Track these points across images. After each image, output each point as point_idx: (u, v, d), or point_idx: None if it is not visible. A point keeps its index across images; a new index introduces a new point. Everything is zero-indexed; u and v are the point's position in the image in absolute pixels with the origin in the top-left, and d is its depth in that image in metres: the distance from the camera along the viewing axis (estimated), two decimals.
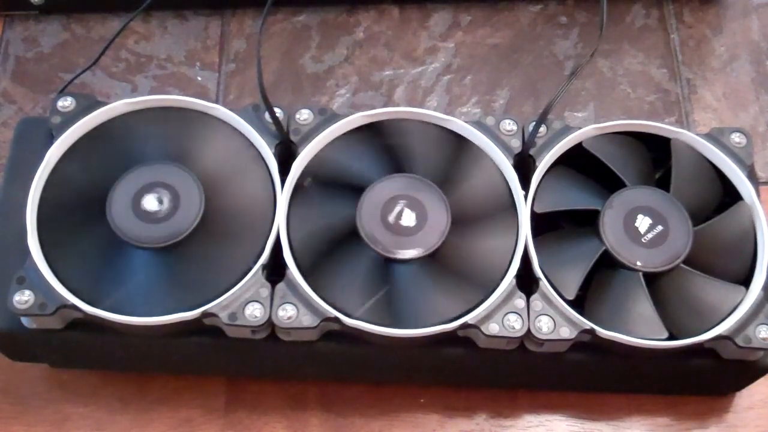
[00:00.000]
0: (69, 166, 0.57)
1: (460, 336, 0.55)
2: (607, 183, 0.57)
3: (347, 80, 0.76)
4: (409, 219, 0.55)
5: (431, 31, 0.79)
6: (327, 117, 0.59)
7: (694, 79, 0.77)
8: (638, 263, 0.55)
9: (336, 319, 0.53)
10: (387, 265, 0.55)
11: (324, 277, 0.55)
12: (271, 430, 0.62)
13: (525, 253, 0.55)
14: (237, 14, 0.79)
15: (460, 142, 0.59)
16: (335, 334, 0.55)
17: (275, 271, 0.55)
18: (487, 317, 0.53)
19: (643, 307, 0.54)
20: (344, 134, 0.59)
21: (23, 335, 0.55)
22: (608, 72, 0.77)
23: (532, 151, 0.58)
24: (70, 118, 0.58)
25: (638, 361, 0.56)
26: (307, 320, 0.53)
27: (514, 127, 0.59)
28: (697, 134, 0.60)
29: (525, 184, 0.57)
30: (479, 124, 0.59)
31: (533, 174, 0.57)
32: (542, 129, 0.59)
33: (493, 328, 0.53)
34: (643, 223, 0.56)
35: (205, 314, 0.53)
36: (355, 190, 0.56)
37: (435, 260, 0.55)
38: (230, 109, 0.59)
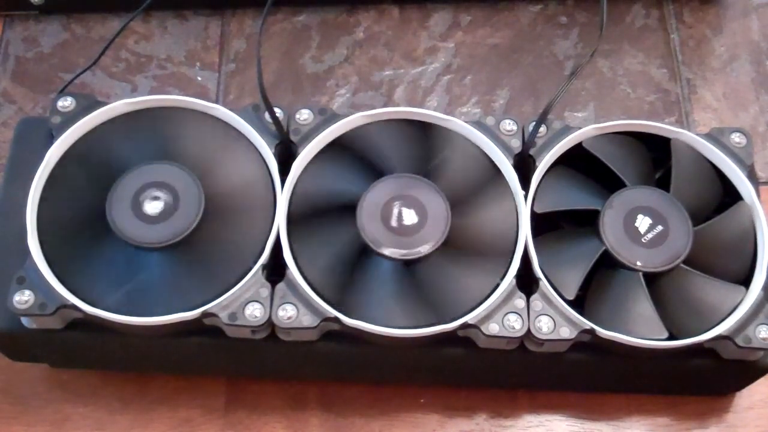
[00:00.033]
0: (69, 166, 0.57)
1: (460, 336, 0.55)
2: (607, 183, 0.57)
3: (347, 80, 0.76)
4: (406, 221, 0.55)
5: (431, 31, 0.79)
6: (327, 117, 0.59)
7: (694, 79, 0.77)
8: (638, 263, 0.55)
9: (336, 319, 0.53)
10: (367, 255, 0.55)
11: (307, 240, 0.55)
12: (271, 430, 0.62)
13: (525, 253, 0.55)
14: (237, 14, 0.79)
15: (497, 174, 0.59)
16: (335, 334, 0.55)
17: (275, 271, 0.55)
18: (487, 317, 0.53)
19: (643, 307, 0.54)
20: (314, 158, 0.58)
21: (23, 335, 0.55)
22: (608, 72, 0.77)
23: (532, 151, 0.58)
24: (70, 118, 0.58)
25: (638, 361, 0.56)
26: (307, 320, 0.53)
27: (514, 127, 0.59)
28: (697, 134, 0.60)
29: (525, 184, 0.57)
30: (479, 124, 0.59)
31: (533, 174, 0.57)
32: (542, 129, 0.59)
33: (493, 328, 0.53)
34: (643, 223, 0.56)
35: (205, 314, 0.53)
36: (374, 173, 0.56)
37: (449, 247, 0.55)
38: (230, 109, 0.59)
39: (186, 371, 0.63)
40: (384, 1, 0.79)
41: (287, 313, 0.53)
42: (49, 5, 0.77)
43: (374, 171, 0.57)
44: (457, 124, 0.59)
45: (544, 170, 0.58)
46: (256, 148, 0.58)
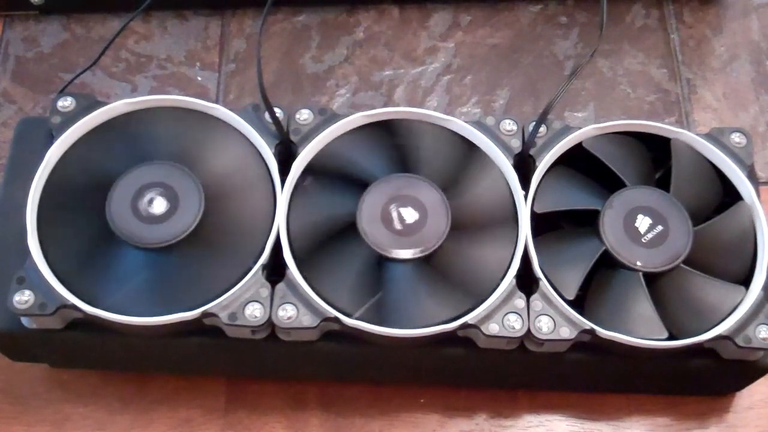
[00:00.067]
0: (69, 166, 0.57)
1: (460, 336, 0.55)
2: (607, 183, 0.57)
3: (347, 80, 0.76)
4: (409, 219, 0.55)
5: (431, 31, 0.79)
6: (327, 117, 0.59)
7: (694, 79, 0.77)
8: (638, 263, 0.55)
9: (336, 319, 0.53)
10: (383, 263, 0.55)
11: (319, 269, 0.55)
12: (271, 430, 0.62)
13: (525, 253, 0.55)
14: (237, 14, 0.79)
15: (470, 148, 0.59)
16: (335, 334, 0.55)
17: (275, 271, 0.55)
18: (487, 317, 0.53)
19: (643, 307, 0.54)
20: (354, 130, 0.59)
21: (23, 335, 0.55)
22: (608, 72, 0.77)
23: (532, 151, 0.58)
24: (70, 118, 0.58)
25: (638, 361, 0.56)
26: (307, 320, 0.53)
27: (514, 127, 0.59)
28: (697, 134, 0.60)
29: (525, 184, 0.57)
30: (479, 124, 0.59)
31: (533, 174, 0.57)
32: (542, 129, 0.59)
33: (493, 328, 0.53)
34: (643, 223, 0.56)
35: (205, 314, 0.53)
36: (358, 185, 0.56)
37: (429, 263, 0.55)
38: (230, 109, 0.59)
39: (186, 371, 0.63)
40: (384, 1, 0.79)
41: (287, 313, 0.53)
42: (49, 5, 0.77)
43: (358, 184, 0.57)
44: (457, 124, 0.59)
45: (544, 170, 0.58)
46: (256, 148, 0.58)
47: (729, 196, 0.59)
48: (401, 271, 0.54)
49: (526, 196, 0.57)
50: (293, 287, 0.54)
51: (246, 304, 0.53)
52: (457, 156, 0.59)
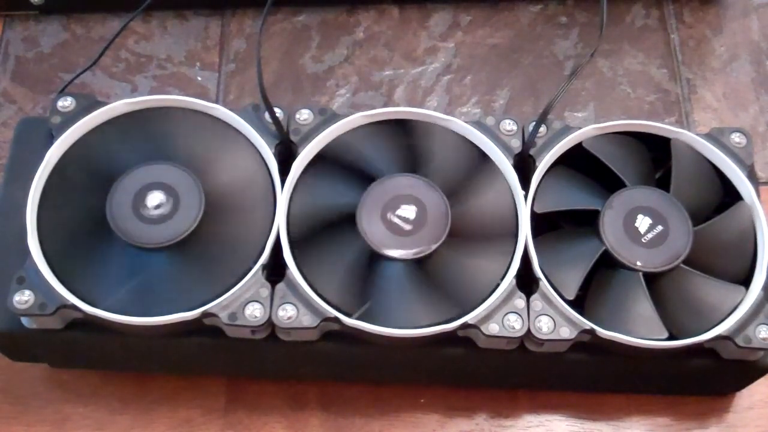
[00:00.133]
0: (69, 166, 0.57)
1: (460, 336, 0.55)
2: (607, 183, 0.57)
3: (347, 80, 0.76)
4: (408, 220, 0.55)
5: (431, 31, 0.79)
6: (327, 117, 0.59)
7: (694, 79, 0.77)
8: (638, 263, 0.55)
9: (336, 319, 0.53)
10: (376, 260, 0.55)
11: (312, 254, 0.55)
12: (271, 430, 0.62)
13: (525, 253, 0.55)
14: (237, 14, 0.79)
15: (483, 158, 0.59)
16: (335, 334, 0.55)
17: (275, 271, 0.55)
18: (487, 317, 0.53)
19: (643, 307, 0.54)
20: (370, 124, 0.59)
21: (23, 335, 0.55)
22: (608, 72, 0.77)
23: (532, 151, 0.58)
24: (70, 118, 0.58)
25: (638, 361, 0.56)
26: (307, 320, 0.53)
27: (514, 127, 0.59)
28: (697, 134, 0.60)
29: (525, 184, 0.57)
30: (479, 124, 0.59)
31: (533, 174, 0.57)
32: (542, 129, 0.59)
33: (493, 328, 0.53)
34: (643, 223, 0.56)
35: (205, 314, 0.53)
36: (364, 179, 0.56)
37: (421, 267, 0.55)
38: (230, 109, 0.59)
39: (186, 371, 0.63)
40: (384, 1, 0.79)
41: (287, 313, 0.53)
42: (49, 5, 0.77)
43: (365, 177, 0.57)
44: (457, 124, 0.59)
45: (544, 170, 0.58)
46: (256, 148, 0.58)
47: (729, 196, 0.59)
48: (392, 271, 0.54)
49: (526, 196, 0.57)
50: (293, 287, 0.54)
51: (246, 304, 0.53)
52: (467, 163, 0.59)
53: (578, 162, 0.59)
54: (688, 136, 0.60)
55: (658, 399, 0.63)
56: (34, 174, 0.56)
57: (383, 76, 0.76)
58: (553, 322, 0.53)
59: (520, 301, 0.54)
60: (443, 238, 0.54)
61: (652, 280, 0.55)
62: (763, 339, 0.53)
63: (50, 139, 0.57)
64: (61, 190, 0.56)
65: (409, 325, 0.53)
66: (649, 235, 0.55)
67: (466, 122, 0.59)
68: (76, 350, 0.60)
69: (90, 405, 0.62)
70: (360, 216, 0.55)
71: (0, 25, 0.78)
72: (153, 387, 0.63)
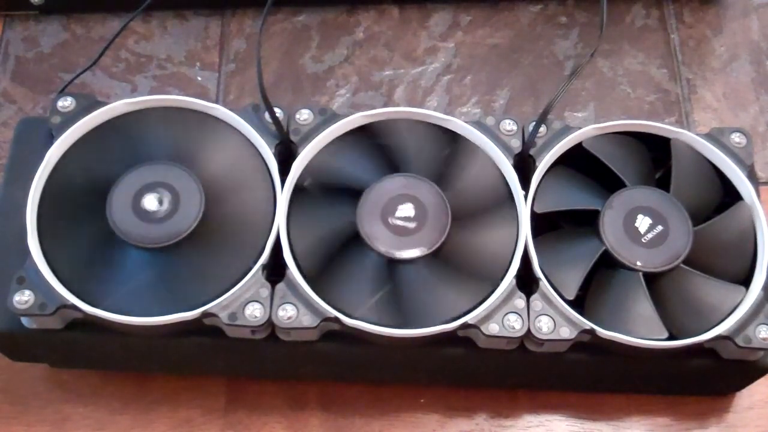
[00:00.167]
0: (69, 166, 0.57)
1: (460, 336, 0.55)
2: (607, 183, 0.57)
3: (347, 80, 0.76)
4: (409, 218, 0.55)
5: (431, 31, 0.79)
6: (327, 117, 0.59)
7: (694, 79, 0.77)
8: (638, 263, 0.55)
9: (336, 319, 0.53)
10: (390, 265, 0.55)
11: (327, 280, 0.54)
12: (271, 430, 0.62)
13: (525, 253, 0.55)
14: (237, 14, 0.79)
15: (454, 138, 0.59)
16: (335, 334, 0.55)
17: (275, 271, 0.55)
18: (487, 317, 0.53)
19: (643, 307, 0.54)
20: (338, 137, 0.59)
21: (23, 335, 0.55)
22: (608, 72, 0.77)
23: (532, 151, 0.58)
24: (70, 118, 0.58)
25: (638, 361, 0.56)
26: (307, 320, 0.53)
27: (514, 127, 0.59)
28: (697, 134, 0.60)
29: (525, 184, 0.57)
30: (479, 124, 0.59)
31: (533, 174, 0.57)
32: (542, 129, 0.59)
33: (493, 328, 0.53)
34: (643, 223, 0.56)
35: (205, 314, 0.53)
36: (354, 192, 0.56)
37: (439, 258, 0.55)
38: (230, 109, 0.59)
39: (186, 371, 0.63)
40: (384, 1, 0.79)
41: (287, 313, 0.53)
42: (49, 5, 0.77)
43: (353, 192, 0.56)
44: (457, 124, 0.59)
45: (544, 170, 0.58)
46: (256, 148, 0.58)
47: (729, 196, 0.59)
48: (413, 271, 0.54)
49: (526, 196, 0.57)
50: (293, 287, 0.54)
51: (246, 304, 0.53)
52: (440, 147, 0.59)
53: (578, 162, 0.59)
54: (688, 136, 0.60)
55: (658, 399, 0.63)
56: (34, 174, 0.56)
57: (383, 76, 0.76)
58: (553, 322, 0.53)
59: (520, 301, 0.54)
60: (449, 224, 0.55)
61: (652, 280, 0.55)
62: (763, 339, 0.53)
63: (50, 139, 0.57)
64: (61, 189, 0.56)
65: (448, 316, 0.53)
66: (649, 235, 0.55)
67: (466, 122, 0.59)
68: (76, 350, 0.60)
69: (90, 405, 0.62)
70: (363, 230, 0.55)
71: (0, 25, 0.78)
72: (153, 387, 0.63)
